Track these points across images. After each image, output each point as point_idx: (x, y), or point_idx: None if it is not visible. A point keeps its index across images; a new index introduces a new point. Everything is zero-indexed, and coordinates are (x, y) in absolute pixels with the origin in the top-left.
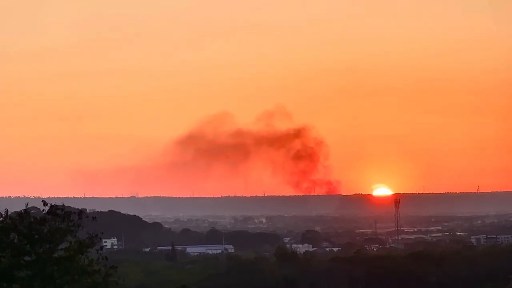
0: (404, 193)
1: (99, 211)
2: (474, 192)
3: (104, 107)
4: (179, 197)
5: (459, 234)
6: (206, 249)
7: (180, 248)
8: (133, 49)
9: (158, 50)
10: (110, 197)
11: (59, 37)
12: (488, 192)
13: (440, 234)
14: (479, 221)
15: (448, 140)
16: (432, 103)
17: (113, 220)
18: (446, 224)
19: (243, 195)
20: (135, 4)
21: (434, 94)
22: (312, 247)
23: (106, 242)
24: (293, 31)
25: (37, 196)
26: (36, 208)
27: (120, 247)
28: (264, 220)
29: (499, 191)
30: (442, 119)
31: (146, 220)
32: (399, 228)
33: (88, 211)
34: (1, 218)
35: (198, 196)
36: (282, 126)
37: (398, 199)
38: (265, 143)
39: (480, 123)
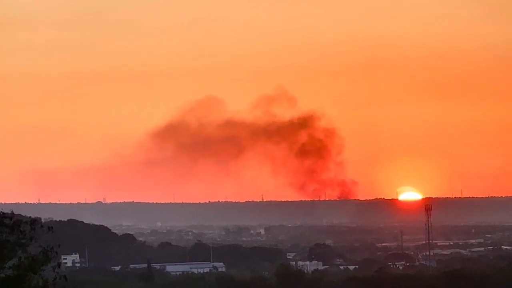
0: (436, 198)
1: (57, 220)
2: None
3: (61, 91)
4: (156, 203)
5: (506, 248)
6: (191, 268)
7: (158, 267)
8: (97, 22)
9: (130, 23)
10: (70, 203)
11: None
12: None
13: (482, 249)
14: None
15: (491, 132)
16: (472, 87)
17: (74, 231)
18: (489, 236)
19: (236, 200)
20: None
21: (474, 77)
22: (323, 265)
23: (66, 258)
24: None
25: None
26: None
27: (84, 264)
28: (262, 232)
29: None
30: (484, 107)
31: (116, 231)
32: (430, 241)
33: (43, 220)
34: None
35: (180, 202)
36: (284, 114)
37: (429, 205)
38: (263, 136)
39: None
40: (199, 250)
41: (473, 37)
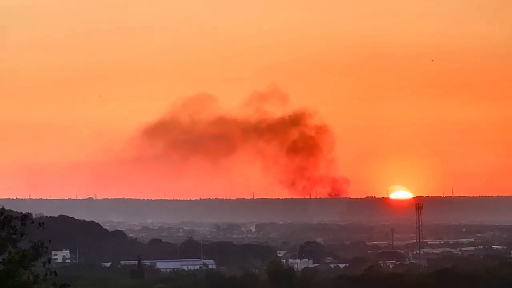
0: (427, 197)
1: (47, 216)
2: None
3: (52, 87)
4: (147, 200)
5: (496, 247)
6: (181, 265)
7: (149, 263)
8: (89, 20)
9: (122, 20)
10: (61, 199)
11: None
12: None
13: (472, 248)
14: None
15: (482, 131)
16: (464, 86)
17: (65, 227)
18: (479, 235)
19: (227, 198)
20: None
21: (466, 76)
22: (313, 263)
23: (56, 254)
24: None
25: None
26: None
27: (74, 260)
28: (253, 229)
29: None
30: (477, 106)
31: (107, 227)
32: (421, 239)
33: (34, 215)
34: None
35: (171, 199)
36: (276, 111)
37: (420, 204)
38: (255, 133)
39: None
40: (189, 247)
41: (466, 36)
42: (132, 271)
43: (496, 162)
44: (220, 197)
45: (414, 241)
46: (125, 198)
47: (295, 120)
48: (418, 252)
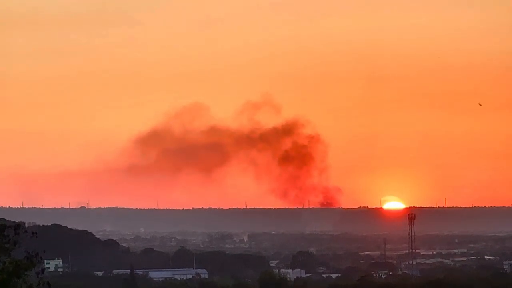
0: (420, 207)
1: (40, 225)
2: (508, 207)
3: (46, 95)
4: (139, 209)
5: (489, 258)
6: (173, 274)
7: (141, 272)
8: (83, 29)
9: (115, 30)
10: (54, 208)
11: None
12: None
13: (465, 258)
14: None
15: (475, 142)
16: (457, 98)
17: (58, 236)
18: (472, 245)
19: (220, 207)
20: None
21: (459, 88)
22: (306, 273)
23: (49, 263)
24: (281, 2)
25: None
26: None
27: (67, 269)
28: (245, 239)
29: None
30: (469, 117)
31: (99, 236)
32: (414, 250)
33: (27, 224)
34: None
35: (164, 208)
36: (269, 121)
37: (412, 215)
38: (247, 143)
39: None
40: (182, 257)
41: (460, 47)
42: (125, 280)
43: (488, 173)
44: (212, 207)
45: (407, 251)
46: (118, 207)
47: (288, 130)
48: (410, 262)
